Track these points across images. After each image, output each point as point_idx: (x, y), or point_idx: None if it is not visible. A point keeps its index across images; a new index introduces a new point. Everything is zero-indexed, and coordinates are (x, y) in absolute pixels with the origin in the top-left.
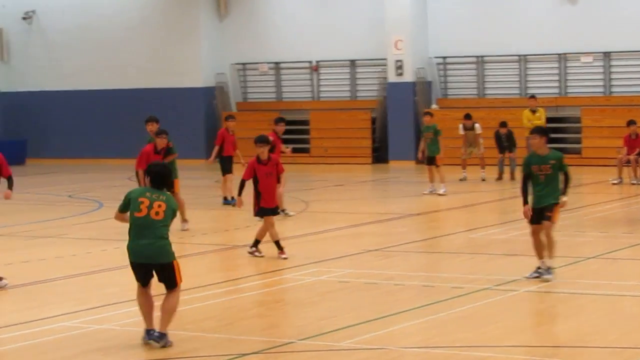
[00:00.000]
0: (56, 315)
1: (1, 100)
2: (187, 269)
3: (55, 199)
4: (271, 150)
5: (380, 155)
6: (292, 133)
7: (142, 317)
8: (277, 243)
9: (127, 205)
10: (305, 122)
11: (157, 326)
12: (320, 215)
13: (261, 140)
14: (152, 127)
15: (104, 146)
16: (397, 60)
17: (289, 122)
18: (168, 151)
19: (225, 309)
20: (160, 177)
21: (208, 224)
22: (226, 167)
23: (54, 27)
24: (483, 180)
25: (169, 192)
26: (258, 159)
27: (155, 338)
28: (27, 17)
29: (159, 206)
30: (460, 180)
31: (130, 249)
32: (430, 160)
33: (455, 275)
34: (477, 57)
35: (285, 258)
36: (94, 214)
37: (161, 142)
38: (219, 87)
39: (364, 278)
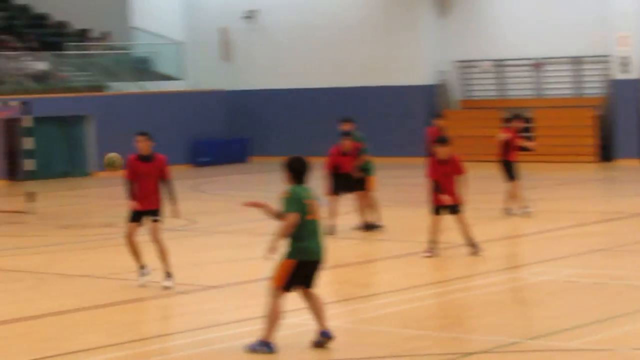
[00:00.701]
0: (285, 312)
1: (225, 99)
2: (409, 268)
3: (275, 196)
4: (508, 147)
5: (605, 153)
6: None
7: (316, 318)
8: (433, 242)
9: (301, 207)
10: (528, 120)
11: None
12: (546, 214)
13: (439, 140)
14: (347, 128)
15: (325, 144)
16: (623, 57)
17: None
18: (361, 152)
19: (450, 308)
20: (301, 172)
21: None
22: None
23: (276, 25)
24: None
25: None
26: (438, 159)
27: (329, 336)
28: (250, 16)
29: (316, 204)
30: None
31: (310, 248)
32: None
33: None
34: None
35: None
36: None
37: (346, 145)
38: (440, 84)
39: (591, 278)
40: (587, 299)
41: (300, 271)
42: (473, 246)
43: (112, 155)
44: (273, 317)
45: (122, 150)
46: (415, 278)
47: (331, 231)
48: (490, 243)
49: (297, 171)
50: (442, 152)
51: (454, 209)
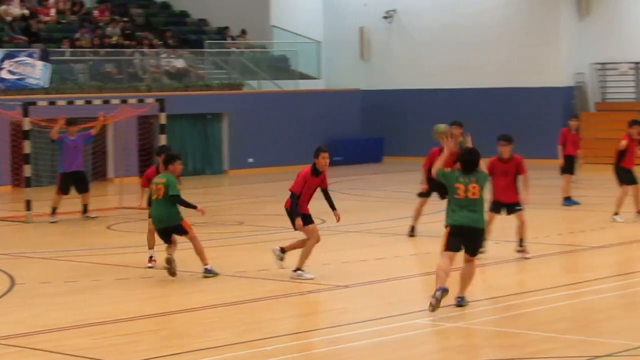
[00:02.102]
0: (409, 313)
1: (361, 99)
2: (540, 269)
3: (410, 196)
4: (623, 155)
5: None
6: None
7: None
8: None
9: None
10: None
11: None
12: None
13: (502, 138)
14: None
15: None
16: None
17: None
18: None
19: (579, 310)
20: (470, 163)
21: (561, 224)
22: (565, 166)
23: (414, 26)
24: None
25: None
26: (499, 157)
27: (460, 303)
28: (388, 16)
29: (474, 187)
30: None
31: (453, 218)
32: None
33: None
34: None
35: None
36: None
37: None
38: (577, 86)
39: None
40: None
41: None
42: (521, 247)
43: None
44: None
45: (256, 147)
46: (549, 279)
47: (411, 233)
48: (622, 246)
49: (464, 161)
50: (504, 151)
51: (512, 207)
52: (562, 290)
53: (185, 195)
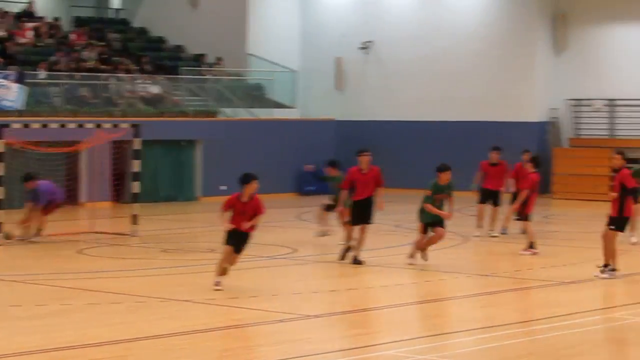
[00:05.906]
0: (383, 343)
1: (336, 129)
2: (512, 303)
3: (384, 227)
4: None
5: None
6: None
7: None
8: None
9: None
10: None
11: None
12: None
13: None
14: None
15: (431, 176)
16: None
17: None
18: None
19: (549, 345)
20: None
21: (534, 259)
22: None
23: (390, 57)
24: None
25: None
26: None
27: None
28: (364, 46)
29: None
30: None
31: None
32: None
33: None
34: None
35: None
36: None
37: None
38: (551, 122)
39: None
40: None
41: None
42: None
43: None
44: None
45: (229, 175)
46: (521, 314)
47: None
48: (587, 282)
49: None
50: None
51: None
52: (534, 325)
53: (156, 222)
